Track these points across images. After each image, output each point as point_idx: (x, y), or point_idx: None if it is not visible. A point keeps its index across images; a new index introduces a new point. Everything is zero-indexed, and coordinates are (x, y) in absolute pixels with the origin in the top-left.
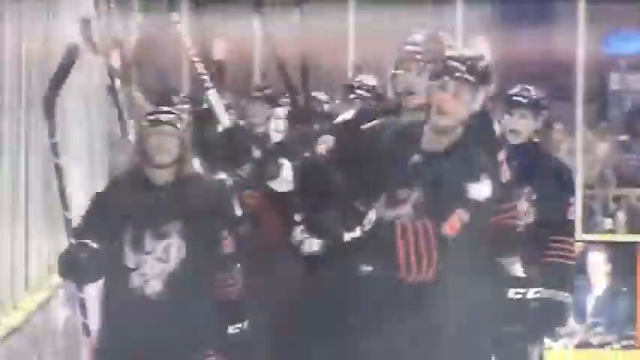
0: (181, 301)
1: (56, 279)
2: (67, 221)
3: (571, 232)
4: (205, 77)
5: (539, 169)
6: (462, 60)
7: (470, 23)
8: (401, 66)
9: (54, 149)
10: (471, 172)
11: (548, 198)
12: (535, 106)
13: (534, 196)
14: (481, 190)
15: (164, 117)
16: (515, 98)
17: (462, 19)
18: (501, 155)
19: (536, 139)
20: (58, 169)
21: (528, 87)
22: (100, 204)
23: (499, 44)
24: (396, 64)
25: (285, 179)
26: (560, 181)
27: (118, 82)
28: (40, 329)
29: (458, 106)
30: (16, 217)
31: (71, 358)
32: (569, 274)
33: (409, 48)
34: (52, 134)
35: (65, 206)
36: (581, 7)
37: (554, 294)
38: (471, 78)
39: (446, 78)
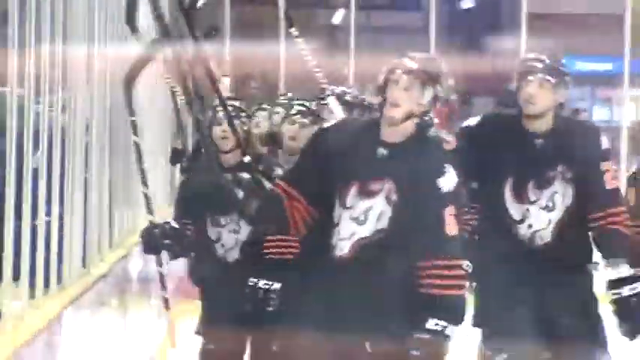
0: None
1: (132, 240)
2: (146, 196)
3: (617, 202)
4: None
5: (564, 140)
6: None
7: None
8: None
9: (133, 128)
10: (436, 167)
11: (581, 170)
12: (553, 73)
13: (569, 175)
14: (449, 181)
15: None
16: (530, 64)
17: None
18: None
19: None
20: (137, 147)
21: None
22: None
23: None
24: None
25: None
26: (587, 145)
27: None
28: (120, 277)
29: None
30: (103, 190)
31: (142, 298)
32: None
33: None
34: (131, 114)
35: (144, 182)
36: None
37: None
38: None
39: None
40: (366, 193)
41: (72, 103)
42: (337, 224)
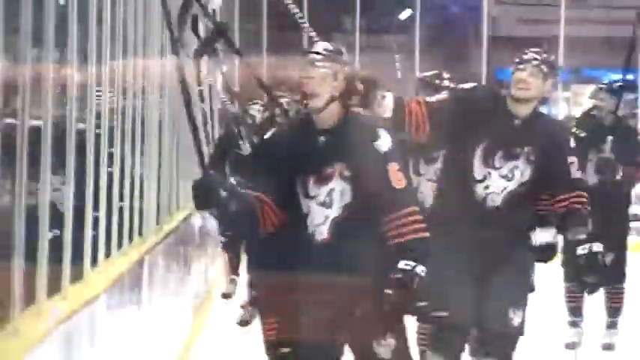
0: None
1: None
2: (199, 152)
3: (582, 188)
4: None
5: (538, 128)
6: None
7: None
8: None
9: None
10: (371, 134)
11: (546, 157)
12: (546, 65)
13: (533, 157)
14: (385, 142)
15: None
16: (526, 56)
17: None
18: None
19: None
20: (204, 114)
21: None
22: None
23: None
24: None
25: None
26: (556, 138)
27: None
28: (185, 232)
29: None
30: (172, 164)
31: (201, 250)
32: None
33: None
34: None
35: (195, 136)
36: None
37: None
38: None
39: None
40: (323, 179)
41: (148, 100)
42: (308, 214)
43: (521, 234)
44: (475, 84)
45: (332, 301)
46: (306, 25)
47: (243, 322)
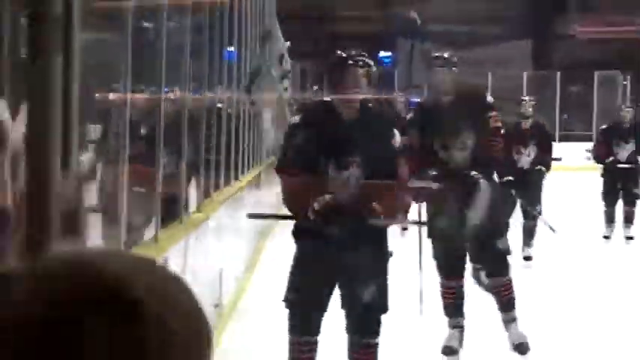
0: None
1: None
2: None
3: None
4: None
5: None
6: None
7: None
8: None
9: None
10: (388, 131)
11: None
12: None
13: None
14: (397, 140)
15: None
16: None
17: None
18: (493, 113)
19: None
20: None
21: None
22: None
23: None
24: None
25: None
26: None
27: None
28: (235, 209)
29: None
30: (252, 141)
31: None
32: None
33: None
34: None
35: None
36: None
37: None
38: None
39: None
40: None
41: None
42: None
43: None
44: None
45: None
46: None
47: None
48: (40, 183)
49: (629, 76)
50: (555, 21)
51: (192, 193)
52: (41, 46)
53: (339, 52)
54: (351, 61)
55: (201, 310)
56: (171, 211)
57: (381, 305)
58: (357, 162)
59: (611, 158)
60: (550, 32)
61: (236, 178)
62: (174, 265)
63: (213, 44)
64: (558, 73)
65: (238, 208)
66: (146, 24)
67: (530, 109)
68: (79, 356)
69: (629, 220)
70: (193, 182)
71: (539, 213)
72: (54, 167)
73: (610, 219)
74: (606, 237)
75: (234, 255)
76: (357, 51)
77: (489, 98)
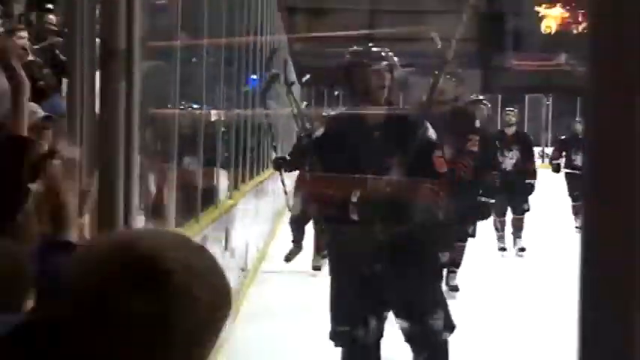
0: None
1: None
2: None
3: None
4: None
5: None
6: None
7: None
8: None
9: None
10: (416, 130)
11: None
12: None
13: None
14: (432, 134)
15: None
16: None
17: None
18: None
19: None
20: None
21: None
22: None
23: None
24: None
25: None
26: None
27: None
28: (265, 187)
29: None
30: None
31: (275, 201)
32: None
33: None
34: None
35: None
36: None
37: None
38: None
39: None
40: None
41: None
42: None
43: None
44: None
45: None
46: None
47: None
48: (108, 176)
49: (550, 98)
50: (497, 57)
51: (224, 185)
52: (110, 75)
53: (354, 48)
54: (367, 61)
55: (223, 277)
56: (208, 198)
57: (446, 324)
58: (390, 163)
59: (560, 161)
60: (493, 65)
61: (257, 174)
62: (211, 239)
63: (240, 73)
64: (499, 96)
65: (259, 196)
66: (192, 58)
67: (514, 119)
68: (121, 317)
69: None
70: (225, 177)
71: (528, 209)
72: (119, 167)
73: (577, 213)
74: (578, 227)
75: (256, 231)
76: (376, 46)
77: (477, 123)
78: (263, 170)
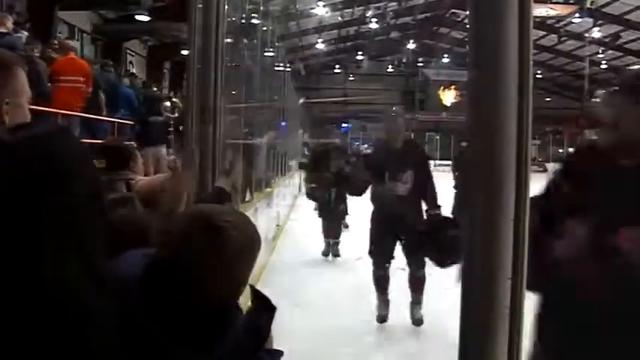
0: None
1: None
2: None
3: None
4: None
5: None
6: None
7: None
8: None
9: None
10: (423, 155)
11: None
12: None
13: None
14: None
15: None
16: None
17: None
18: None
19: None
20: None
21: None
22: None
23: None
24: None
25: None
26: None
27: None
28: (284, 187)
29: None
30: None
31: (293, 188)
32: None
33: None
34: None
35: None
36: None
37: None
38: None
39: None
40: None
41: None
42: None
43: None
44: None
45: None
46: None
47: None
48: (203, 180)
49: (438, 137)
50: (409, 113)
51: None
52: (204, 121)
53: (393, 108)
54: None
55: (255, 230)
56: (258, 187)
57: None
58: (405, 174)
59: None
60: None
61: (285, 173)
62: (260, 210)
63: (278, 119)
64: (412, 134)
65: (287, 185)
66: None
67: None
68: (192, 257)
69: None
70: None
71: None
72: (209, 180)
73: None
74: None
75: (285, 204)
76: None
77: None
78: (290, 171)
